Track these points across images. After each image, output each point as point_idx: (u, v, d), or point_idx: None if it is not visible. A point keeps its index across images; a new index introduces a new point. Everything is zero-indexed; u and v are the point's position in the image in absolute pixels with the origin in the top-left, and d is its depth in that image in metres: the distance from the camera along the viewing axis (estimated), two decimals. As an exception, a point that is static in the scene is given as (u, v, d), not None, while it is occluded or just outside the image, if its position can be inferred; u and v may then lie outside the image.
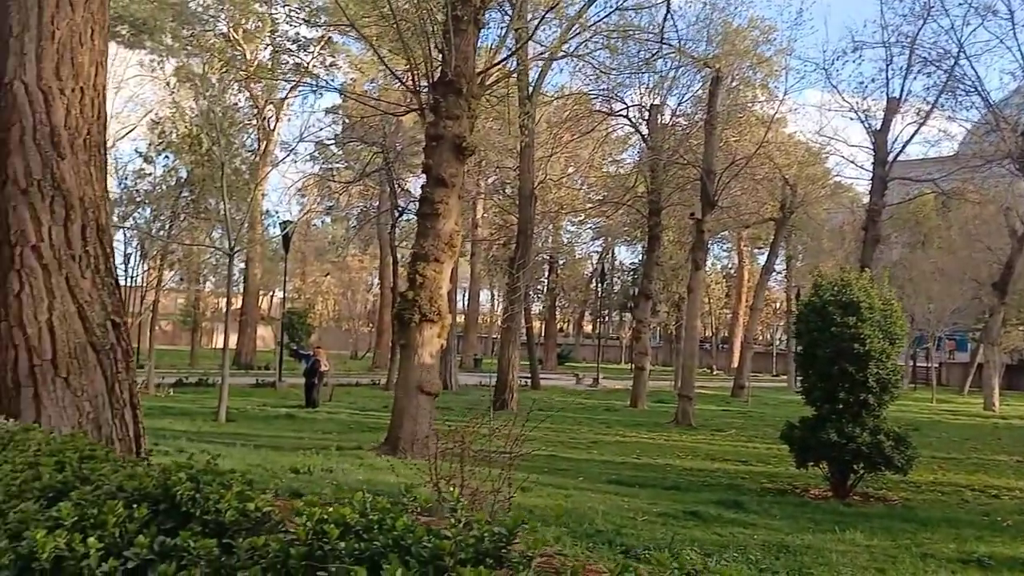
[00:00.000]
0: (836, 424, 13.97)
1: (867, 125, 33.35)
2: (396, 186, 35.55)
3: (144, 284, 32.78)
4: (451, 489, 5.26)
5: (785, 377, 59.95)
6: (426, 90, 16.81)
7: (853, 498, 14.19)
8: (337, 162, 48.23)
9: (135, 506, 2.96)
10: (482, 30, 17.33)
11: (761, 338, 72.75)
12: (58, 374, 5.56)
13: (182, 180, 28.71)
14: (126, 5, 31.06)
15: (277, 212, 55.64)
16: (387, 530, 2.43)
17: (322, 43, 39.55)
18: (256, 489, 3.13)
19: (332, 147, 45.56)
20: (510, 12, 21.17)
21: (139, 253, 30.59)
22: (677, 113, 35.06)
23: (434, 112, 16.05)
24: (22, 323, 5.56)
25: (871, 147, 33.68)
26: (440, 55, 16.14)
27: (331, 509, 2.59)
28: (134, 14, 32.22)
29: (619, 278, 72.96)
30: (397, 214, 36.28)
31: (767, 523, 11.58)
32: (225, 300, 26.83)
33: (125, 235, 28.87)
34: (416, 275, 15.78)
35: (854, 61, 56.88)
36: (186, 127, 29.06)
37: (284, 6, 36.92)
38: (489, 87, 17.67)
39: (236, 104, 34.40)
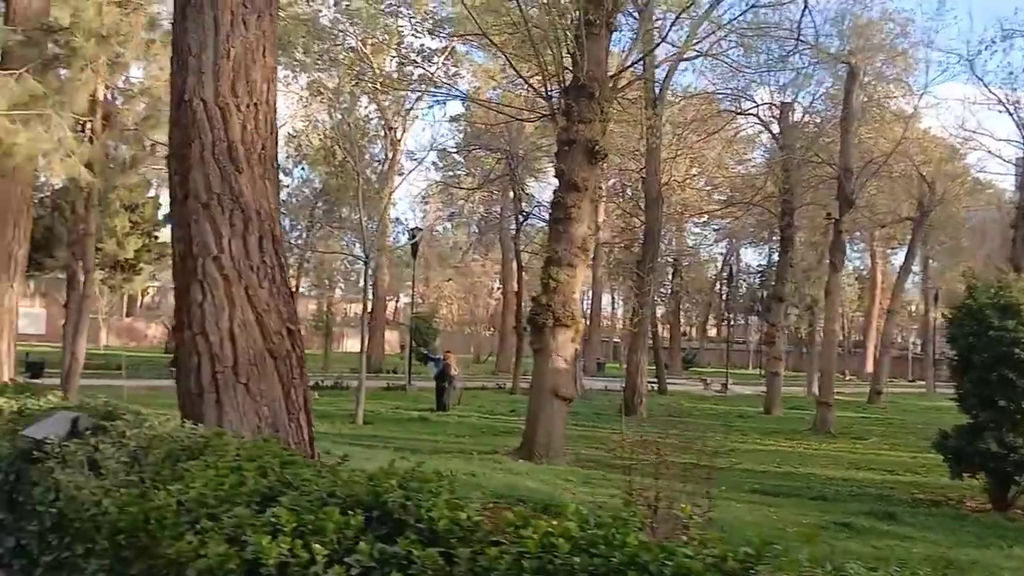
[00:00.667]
0: (995, 433, 13.23)
1: (1016, 118, 31.48)
2: (520, 191, 35.72)
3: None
4: (646, 501, 5.18)
5: (923, 382, 57.30)
6: (557, 95, 16.83)
7: (1015, 512, 13.39)
8: (459, 169, 48.85)
9: (350, 513, 3.01)
10: (613, 33, 17.20)
11: (897, 341, 69.75)
12: (238, 380, 5.77)
13: (317, 190, 29.64)
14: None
15: (405, 219, 56.95)
16: (618, 546, 2.38)
17: (446, 53, 40.15)
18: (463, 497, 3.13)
19: (455, 155, 46.21)
20: (639, 15, 21.00)
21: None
22: (809, 110, 34.03)
23: (566, 117, 16.03)
24: (205, 331, 5.80)
25: (1021, 140, 31.82)
26: (571, 60, 16.12)
27: (555, 522, 2.56)
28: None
29: (745, 280, 71.32)
30: (521, 219, 36.45)
31: (924, 536, 11.06)
32: (361, 306, 27.57)
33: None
34: (549, 280, 15.79)
35: (1002, 50, 53.75)
36: (320, 139, 30.00)
37: (410, 18, 37.71)
38: (621, 90, 17.56)
39: (367, 116, 35.35)
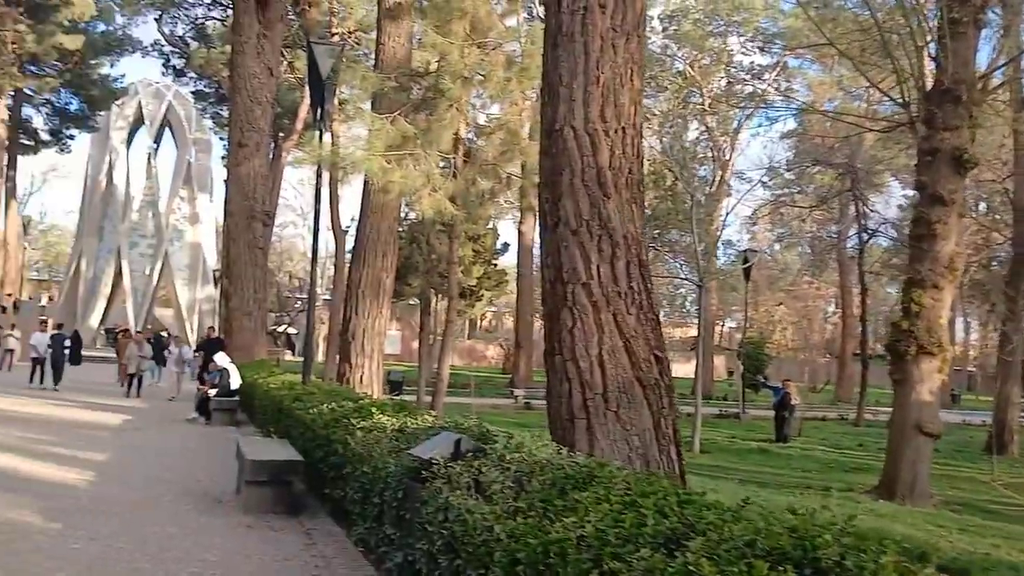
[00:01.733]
0: None
1: None
2: (864, 208, 33.38)
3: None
4: None
5: None
6: (915, 102, 15.41)
7: None
8: (790, 187, 46.91)
9: (780, 568, 2.69)
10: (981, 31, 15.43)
11: None
12: (608, 407, 5.68)
13: (647, 215, 29.81)
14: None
15: (737, 242, 55.70)
16: None
17: (777, 69, 38.89)
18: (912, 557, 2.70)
19: (784, 173, 44.47)
20: (1005, 8, 18.75)
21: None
22: None
23: (928, 124, 14.63)
24: (575, 357, 5.78)
25: None
26: (933, 62, 14.71)
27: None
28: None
29: None
30: (865, 237, 34.00)
31: None
32: (684, 330, 27.17)
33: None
34: (911, 303, 14.45)
35: None
36: (649, 164, 30.18)
37: (739, 36, 37.05)
38: (991, 92, 15.72)
39: (696, 139, 35.10)
